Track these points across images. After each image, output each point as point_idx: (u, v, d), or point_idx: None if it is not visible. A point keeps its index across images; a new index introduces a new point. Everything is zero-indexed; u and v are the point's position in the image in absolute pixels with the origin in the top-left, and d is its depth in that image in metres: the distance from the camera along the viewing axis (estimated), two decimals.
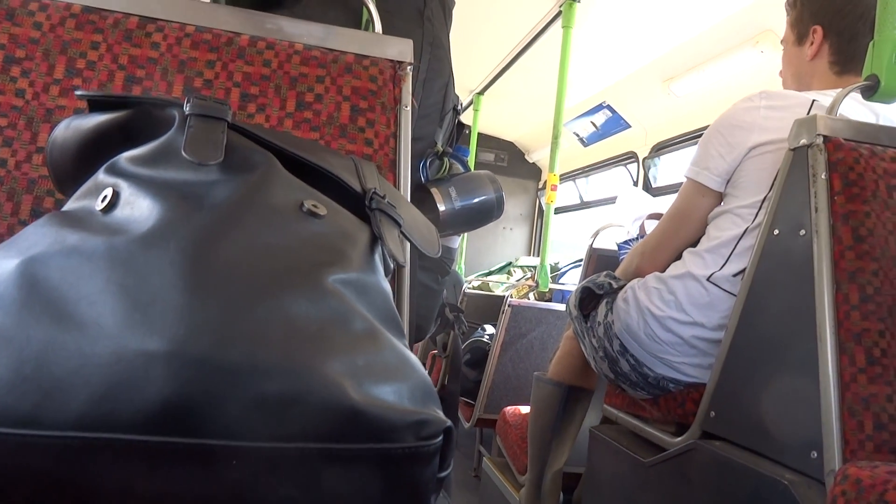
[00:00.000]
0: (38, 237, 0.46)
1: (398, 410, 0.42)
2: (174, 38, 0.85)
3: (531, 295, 3.19)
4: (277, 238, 0.47)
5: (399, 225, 0.60)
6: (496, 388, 2.91)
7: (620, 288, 1.42)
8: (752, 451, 1.06)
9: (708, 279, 1.22)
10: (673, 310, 1.25)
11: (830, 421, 0.90)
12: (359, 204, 0.60)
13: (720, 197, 1.29)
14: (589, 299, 1.51)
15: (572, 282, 3.29)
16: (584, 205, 5.19)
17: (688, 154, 3.49)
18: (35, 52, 0.80)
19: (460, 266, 5.05)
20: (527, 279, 3.57)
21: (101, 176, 0.53)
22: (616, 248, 2.03)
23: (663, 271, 1.37)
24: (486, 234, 5.82)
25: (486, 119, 5.03)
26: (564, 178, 5.09)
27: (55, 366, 0.39)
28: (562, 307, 2.81)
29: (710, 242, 1.25)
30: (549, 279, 2.95)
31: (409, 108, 0.91)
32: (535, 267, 4.91)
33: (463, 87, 4.59)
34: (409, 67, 0.92)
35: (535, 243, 5.91)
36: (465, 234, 5.25)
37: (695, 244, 1.34)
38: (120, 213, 0.48)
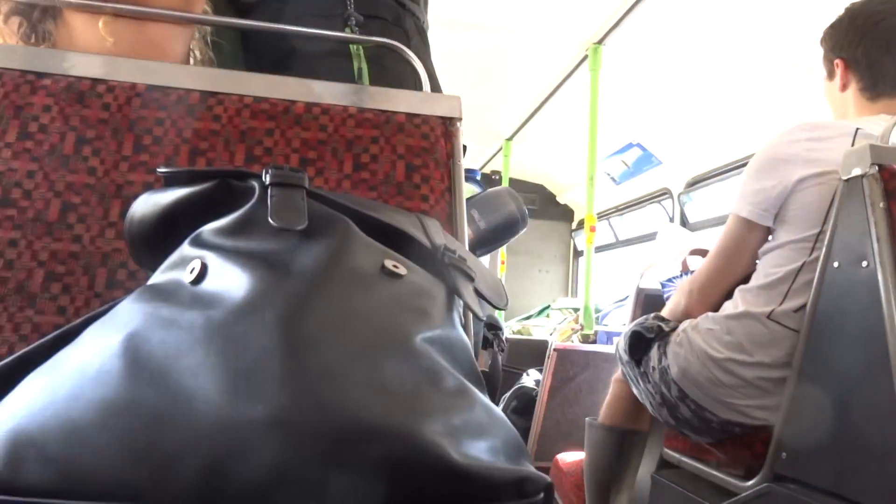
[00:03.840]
0: (133, 313, 0.48)
1: (499, 469, 0.42)
2: (234, 109, 0.88)
3: (574, 338, 3.16)
4: (364, 301, 0.48)
5: (472, 279, 0.61)
6: (546, 435, 2.85)
7: (672, 331, 1.40)
8: (831, 493, 1.02)
9: (768, 317, 1.20)
10: (733, 351, 1.23)
11: None
12: (430, 260, 0.61)
13: (768, 231, 1.27)
14: (639, 343, 1.48)
15: (615, 321, 3.24)
16: (619, 243, 5.16)
17: (723, 188, 3.47)
18: (104, 131, 0.84)
19: (499, 312, 5.03)
20: (569, 322, 3.53)
21: (186, 248, 0.54)
22: (660, 286, 2.01)
23: (714, 310, 1.35)
24: (522, 277, 5.81)
25: (515, 164, 5.07)
26: (599, 217, 5.08)
27: (165, 438, 0.39)
28: (608, 349, 2.77)
29: (765, 279, 1.23)
30: (594, 321, 2.92)
31: (461, 162, 0.92)
32: (573, 309, 4.88)
33: (492, 134, 4.65)
34: (458, 123, 0.94)
35: (572, 285, 5.87)
36: (504, 270, 5.24)
37: (745, 280, 1.32)
38: (209, 284, 0.50)
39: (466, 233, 0.90)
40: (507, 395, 3.19)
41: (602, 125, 3.52)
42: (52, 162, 0.82)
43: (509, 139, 4.59)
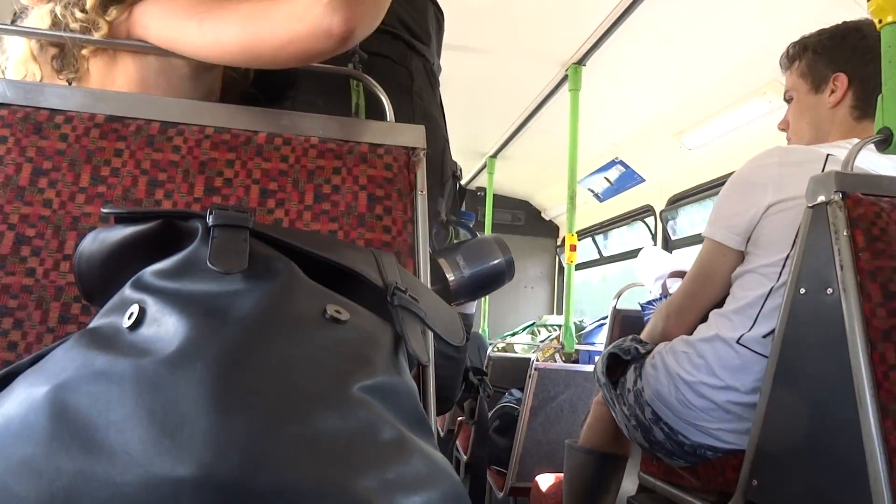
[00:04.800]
0: (66, 361, 0.47)
1: None
2: (194, 140, 0.87)
3: (557, 356, 3.15)
4: (302, 350, 0.47)
5: (421, 319, 0.60)
6: (528, 455, 2.84)
7: (648, 353, 1.40)
8: None
9: (738, 341, 1.20)
10: (704, 374, 1.23)
11: (881, 490, 0.87)
12: (380, 300, 0.60)
13: (741, 255, 1.28)
14: (616, 365, 1.48)
15: (600, 341, 3.24)
16: (603, 260, 5.18)
17: (704, 207, 3.49)
18: (61, 162, 0.83)
19: (484, 329, 5.02)
20: (552, 340, 3.53)
21: (127, 291, 0.54)
22: (639, 307, 2.01)
23: (690, 333, 1.35)
24: (508, 294, 5.81)
25: (500, 180, 5.08)
26: (582, 234, 5.10)
27: (85, 497, 0.38)
28: (590, 368, 2.77)
29: (736, 303, 1.24)
30: (575, 340, 2.92)
31: (424, 192, 0.92)
32: (560, 326, 4.87)
33: (476, 152, 4.67)
34: (422, 153, 0.94)
35: (558, 301, 5.88)
36: (487, 297, 5.23)
37: (721, 304, 1.32)
38: (146, 330, 0.49)
39: (429, 265, 0.89)
40: (490, 414, 3.17)
41: (584, 143, 3.54)
42: (6, 194, 0.81)
43: (493, 156, 4.61)
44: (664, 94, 3.11)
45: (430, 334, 0.71)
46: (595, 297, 5.90)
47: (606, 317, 3.54)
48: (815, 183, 1.08)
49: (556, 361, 3.14)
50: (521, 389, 3.11)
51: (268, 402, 0.42)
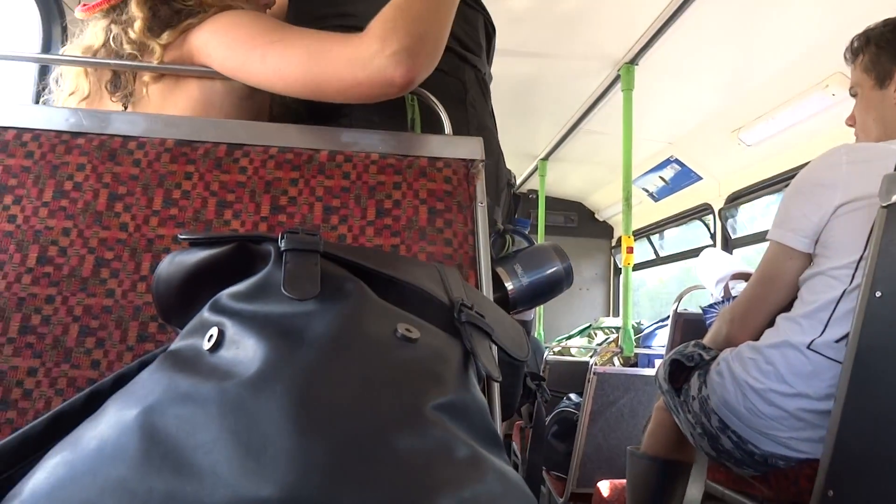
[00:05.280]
0: (153, 384, 0.49)
1: None
2: (259, 161, 0.90)
3: (616, 360, 3.11)
4: (377, 370, 0.48)
5: (489, 335, 0.61)
6: (588, 461, 2.81)
7: (712, 359, 1.37)
8: None
9: (808, 347, 1.16)
10: (773, 381, 1.19)
11: None
12: (447, 317, 0.61)
13: (809, 258, 1.24)
14: (679, 371, 1.46)
15: (658, 343, 3.18)
16: (660, 260, 5.08)
17: (766, 203, 3.39)
18: (135, 187, 0.87)
19: (540, 332, 4.98)
20: (609, 343, 3.48)
21: (205, 314, 0.56)
22: (700, 310, 1.96)
23: (756, 338, 1.31)
24: (563, 296, 5.64)
25: (552, 182, 5.05)
26: (638, 234, 5.01)
27: None
28: (649, 372, 2.72)
29: (805, 307, 1.20)
30: (634, 343, 2.87)
31: (483, 204, 0.92)
32: (616, 328, 4.80)
33: (526, 154, 4.65)
34: (480, 164, 0.94)
35: (614, 302, 5.79)
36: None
37: (787, 308, 1.28)
38: (226, 352, 0.50)
39: (490, 277, 0.89)
40: (548, 419, 3.15)
41: (637, 142, 3.49)
42: (86, 219, 0.85)
43: (544, 159, 4.58)
44: (720, 89, 3.04)
45: (495, 348, 0.71)
46: (652, 298, 5.79)
47: (665, 319, 3.49)
48: (889, 181, 1.04)
49: (614, 365, 3.10)
50: (580, 394, 3.07)
51: (346, 422, 0.44)
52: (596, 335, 4.86)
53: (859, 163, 1.18)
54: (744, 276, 1.80)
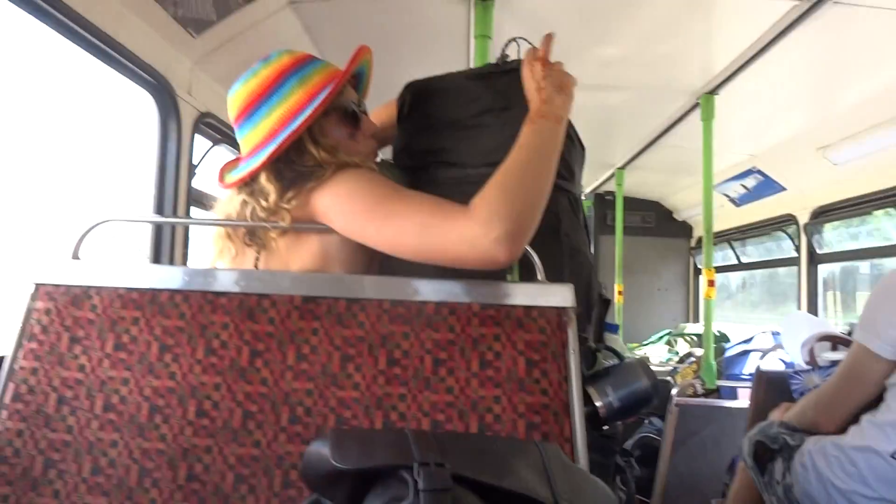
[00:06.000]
0: None
1: None
2: (375, 315, 1.01)
3: (697, 384, 3.11)
4: None
5: None
6: (671, 488, 2.85)
7: (797, 445, 1.41)
8: None
9: (892, 455, 1.20)
10: (857, 483, 1.24)
11: None
12: None
13: (894, 364, 1.26)
14: (763, 453, 1.50)
15: (744, 371, 3.16)
16: (741, 266, 4.99)
17: (856, 223, 3.30)
18: (272, 344, 1.00)
19: (621, 338, 4.94)
20: (692, 363, 3.49)
21: None
22: (782, 365, 1.98)
23: (841, 428, 1.35)
24: (642, 296, 5.71)
25: (630, 185, 4.99)
26: (717, 238, 4.92)
27: None
28: (733, 404, 2.73)
29: (891, 415, 1.23)
30: (715, 372, 2.89)
31: (576, 351, 1.01)
32: (698, 336, 4.76)
33: (604, 163, 4.64)
34: (572, 312, 1.03)
35: (693, 306, 5.71)
36: (621, 301, 5.19)
37: (876, 402, 1.31)
38: None
39: (584, 421, 0.98)
40: (630, 443, 3.21)
41: (719, 152, 3.44)
42: (232, 374, 0.99)
43: (621, 168, 4.56)
44: (805, 111, 2.97)
45: None
46: (735, 303, 5.70)
47: (748, 340, 3.47)
48: None
49: (695, 388, 3.11)
50: (661, 418, 3.11)
51: None
52: (676, 342, 4.85)
53: None
54: (830, 339, 1.81)
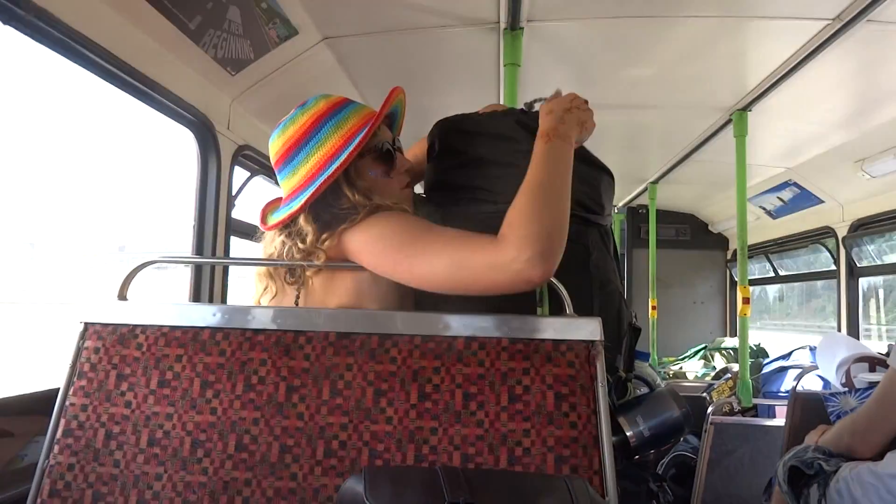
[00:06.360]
0: None
1: None
2: (406, 350, 1.05)
3: (734, 401, 3.08)
4: None
5: None
6: None
7: (833, 471, 1.40)
8: None
9: None
10: None
11: None
12: None
13: None
14: (799, 478, 1.49)
15: (781, 389, 3.11)
16: (778, 278, 4.91)
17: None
18: (307, 379, 1.04)
19: (654, 356, 4.83)
20: (728, 380, 3.44)
21: None
22: (820, 386, 1.96)
23: (878, 455, 1.34)
24: (678, 309, 5.65)
25: (663, 198, 4.95)
26: (753, 250, 4.85)
27: None
28: (770, 423, 2.70)
29: None
30: (752, 391, 2.85)
31: (604, 385, 1.02)
32: (732, 350, 4.68)
33: (637, 178, 4.62)
34: (600, 345, 1.04)
35: (731, 319, 5.63)
36: (655, 316, 5.13)
37: None
38: None
39: (612, 455, 1.00)
40: (665, 461, 3.18)
41: (753, 168, 3.40)
42: (270, 409, 1.03)
43: (654, 182, 4.54)
44: (841, 125, 2.93)
45: None
46: (774, 315, 5.60)
47: (787, 356, 3.42)
48: None
49: (731, 406, 3.07)
50: (697, 435, 3.08)
51: None
52: (713, 357, 4.78)
53: None
54: (867, 359, 1.79)
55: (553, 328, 1.06)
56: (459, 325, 1.07)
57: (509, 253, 0.97)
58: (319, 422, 1.02)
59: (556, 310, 1.10)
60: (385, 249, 1.06)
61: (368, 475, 0.80)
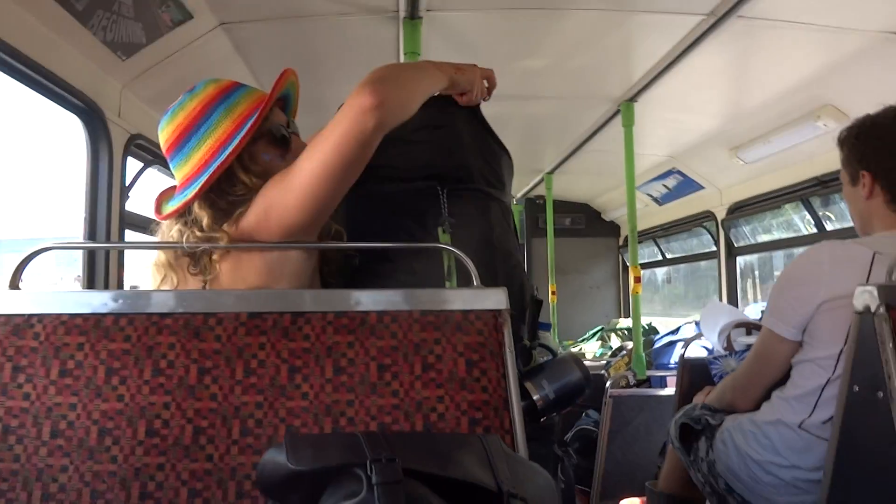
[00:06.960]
0: None
1: None
2: (319, 327, 1.06)
3: (629, 375, 3.26)
4: None
5: None
6: (609, 476, 2.99)
7: (718, 424, 1.53)
8: None
9: (800, 426, 1.33)
10: (771, 454, 1.36)
11: None
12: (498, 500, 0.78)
13: (798, 343, 1.39)
14: (688, 434, 1.62)
15: (669, 359, 3.34)
16: (666, 261, 5.23)
17: (767, 217, 3.53)
18: (219, 360, 1.03)
19: (555, 336, 5.08)
20: (623, 357, 3.64)
21: None
22: (704, 351, 2.12)
23: (755, 407, 1.47)
24: (575, 295, 5.91)
25: (559, 188, 5.15)
26: (642, 236, 5.14)
27: None
28: (662, 392, 2.89)
29: (796, 390, 1.36)
30: (645, 364, 3.04)
31: (511, 350, 1.08)
32: (627, 330, 4.96)
33: (533, 169, 4.79)
34: (506, 313, 1.10)
35: (624, 301, 5.94)
36: (555, 301, 5.34)
37: (783, 381, 1.44)
38: None
39: (522, 415, 1.05)
40: (570, 435, 3.33)
41: (640, 155, 3.60)
42: (181, 392, 1.01)
43: (550, 173, 4.72)
44: (717, 114, 3.17)
45: None
46: (662, 296, 5.95)
47: (675, 331, 3.66)
48: (860, 292, 1.18)
49: (627, 380, 3.25)
50: (597, 410, 3.25)
51: None
52: (609, 337, 5.04)
53: (841, 262, 1.32)
54: (744, 325, 1.96)
55: (461, 299, 1.11)
56: (371, 300, 1.09)
57: (358, 98, 1.05)
58: (234, 402, 1.02)
59: (464, 283, 1.15)
60: (268, 198, 1.09)
61: (290, 442, 0.81)
